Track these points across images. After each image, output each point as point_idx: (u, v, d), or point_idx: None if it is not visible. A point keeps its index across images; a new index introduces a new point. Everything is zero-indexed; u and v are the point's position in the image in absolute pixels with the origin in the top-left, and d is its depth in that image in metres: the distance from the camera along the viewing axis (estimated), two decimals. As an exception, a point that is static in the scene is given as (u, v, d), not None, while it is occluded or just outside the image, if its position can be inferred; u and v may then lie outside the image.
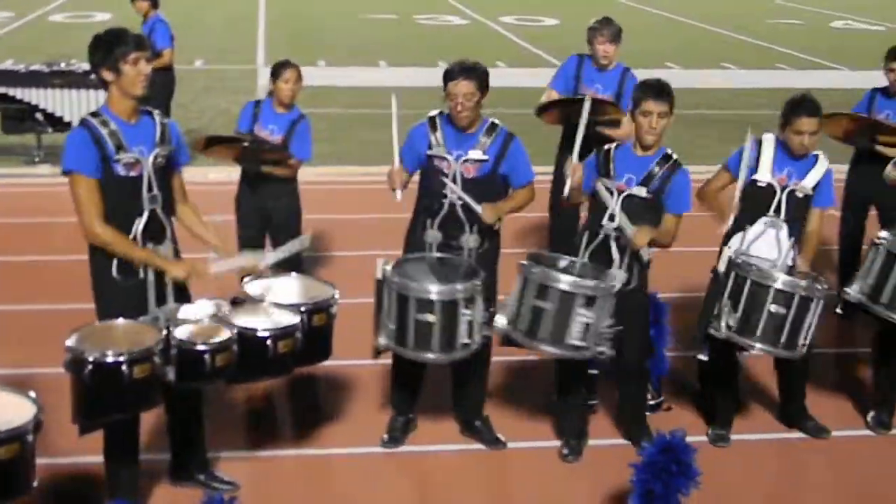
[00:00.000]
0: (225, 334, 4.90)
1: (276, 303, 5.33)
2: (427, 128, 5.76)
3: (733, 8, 30.75)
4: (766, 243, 5.78)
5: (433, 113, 5.83)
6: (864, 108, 7.85)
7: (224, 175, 10.46)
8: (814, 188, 5.86)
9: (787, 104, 5.87)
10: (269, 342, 5.02)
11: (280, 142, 7.08)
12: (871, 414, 6.35)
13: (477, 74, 5.62)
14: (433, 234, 5.72)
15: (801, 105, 5.80)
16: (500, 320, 5.43)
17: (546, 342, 5.35)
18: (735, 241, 5.81)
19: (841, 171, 7.87)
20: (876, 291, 5.77)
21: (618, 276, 5.46)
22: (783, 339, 5.51)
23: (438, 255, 5.69)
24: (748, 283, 5.49)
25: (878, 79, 7.99)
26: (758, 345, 5.58)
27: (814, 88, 5.93)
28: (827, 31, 26.89)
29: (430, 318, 5.29)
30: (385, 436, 5.93)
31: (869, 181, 7.43)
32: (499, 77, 18.35)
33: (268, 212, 7.19)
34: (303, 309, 5.31)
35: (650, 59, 18.47)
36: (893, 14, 29.81)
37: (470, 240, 5.69)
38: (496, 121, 5.79)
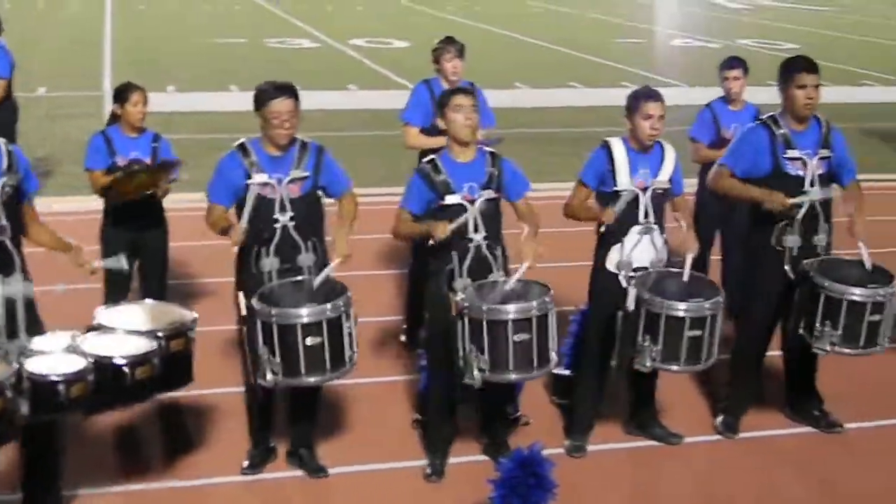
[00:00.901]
0: (79, 364, 4.81)
1: (132, 330, 5.25)
2: (239, 157, 5.62)
3: (579, 28, 31.51)
4: (644, 249, 5.95)
5: (241, 140, 5.70)
6: (709, 123, 8.07)
7: (72, 205, 10.28)
8: (670, 180, 6.03)
9: (630, 95, 6.04)
10: (125, 369, 4.97)
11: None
12: (719, 418, 6.55)
13: (295, 93, 5.60)
14: (271, 262, 5.59)
15: (646, 92, 6.02)
16: (477, 375, 5.35)
17: (537, 369, 5.44)
18: (614, 254, 5.95)
19: (689, 184, 8.15)
20: (851, 339, 5.92)
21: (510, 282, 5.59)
22: (704, 355, 5.70)
23: (290, 279, 5.59)
24: (662, 317, 5.61)
25: (714, 93, 8.29)
26: (683, 367, 5.75)
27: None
28: (667, 49, 27.78)
29: (319, 339, 5.23)
30: (245, 462, 5.88)
31: (720, 198, 7.71)
32: (350, 99, 18.65)
33: (139, 240, 7.08)
34: (160, 334, 5.25)
35: (499, 79, 18.80)
36: (729, 31, 31.00)
37: (308, 259, 5.65)
38: (304, 138, 5.74)
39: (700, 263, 8.15)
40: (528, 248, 5.71)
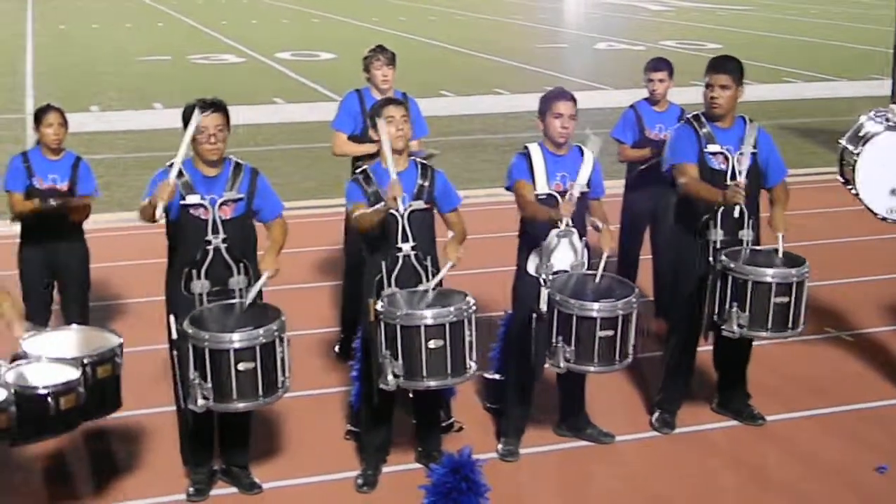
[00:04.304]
0: (0, 395, 4.73)
1: (57, 358, 5.18)
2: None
3: (503, 35, 31.68)
4: (563, 252, 5.98)
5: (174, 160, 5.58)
6: (633, 123, 8.11)
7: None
8: (588, 184, 6.06)
9: (542, 97, 6.10)
10: (49, 399, 4.87)
11: (67, 188, 6.93)
12: (655, 415, 6.64)
13: (224, 108, 5.56)
14: (202, 284, 5.53)
15: (556, 92, 6.09)
16: (391, 380, 5.38)
17: (451, 376, 5.42)
18: (534, 257, 5.99)
19: (616, 186, 8.25)
20: (759, 321, 6.00)
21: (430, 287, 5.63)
22: (618, 355, 5.70)
23: (223, 302, 5.53)
24: (574, 318, 5.61)
25: (640, 95, 8.35)
26: (598, 368, 5.74)
27: (579, 109, 6.17)
28: (591, 53, 28.04)
29: (251, 364, 5.18)
30: (191, 489, 5.81)
31: (647, 198, 7.83)
32: (277, 113, 18.64)
33: (57, 261, 7.02)
34: (85, 361, 5.18)
35: (425, 88, 18.86)
36: (652, 33, 31.36)
37: (240, 281, 5.60)
38: (238, 159, 5.71)
39: (630, 261, 8.30)
40: (452, 249, 5.77)
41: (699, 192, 6.22)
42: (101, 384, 5.26)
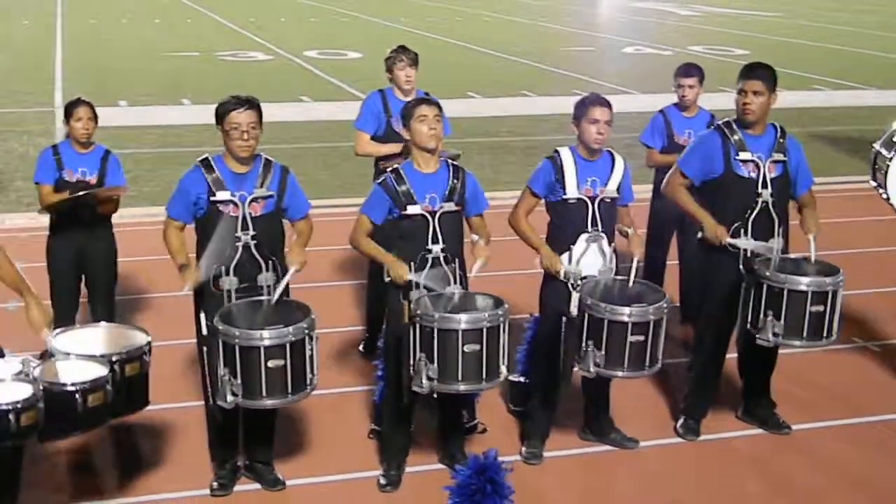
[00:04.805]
0: (28, 392, 4.74)
1: (86, 355, 5.20)
2: (201, 172, 5.53)
3: (531, 37, 31.66)
4: (592, 257, 5.97)
5: (205, 156, 5.63)
6: (662, 128, 8.11)
7: (24, 221, 10.21)
8: (618, 189, 6.06)
9: (578, 102, 6.09)
10: (77, 397, 4.88)
11: (96, 181, 6.98)
12: (680, 421, 6.62)
13: (257, 106, 5.56)
14: (230, 281, 5.53)
15: (592, 97, 6.07)
16: (426, 383, 5.36)
17: (486, 381, 5.40)
18: (563, 261, 5.96)
19: (643, 191, 8.22)
20: (794, 330, 5.97)
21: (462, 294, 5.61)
22: (647, 360, 5.69)
23: (252, 298, 5.53)
24: (605, 322, 5.60)
25: (666, 100, 8.35)
26: (627, 373, 5.73)
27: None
28: (618, 57, 27.98)
29: (281, 362, 5.18)
30: (214, 483, 5.83)
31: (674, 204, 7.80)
32: (304, 111, 18.69)
33: (85, 254, 7.07)
34: (114, 359, 5.20)
35: (453, 89, 18.87)
36: (680, 38, 31.28)
37: (268, 278, 5.60)
38: (268, 156, 5.72)
39: (657, 267, 8.27)
40: (481, 248, 5.76)
41: (692, 210, 6.37)
42: (129, 382, 5.29)
